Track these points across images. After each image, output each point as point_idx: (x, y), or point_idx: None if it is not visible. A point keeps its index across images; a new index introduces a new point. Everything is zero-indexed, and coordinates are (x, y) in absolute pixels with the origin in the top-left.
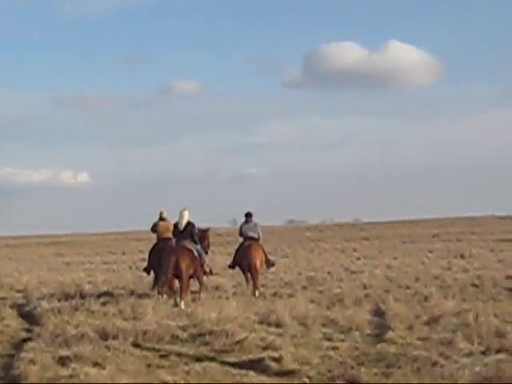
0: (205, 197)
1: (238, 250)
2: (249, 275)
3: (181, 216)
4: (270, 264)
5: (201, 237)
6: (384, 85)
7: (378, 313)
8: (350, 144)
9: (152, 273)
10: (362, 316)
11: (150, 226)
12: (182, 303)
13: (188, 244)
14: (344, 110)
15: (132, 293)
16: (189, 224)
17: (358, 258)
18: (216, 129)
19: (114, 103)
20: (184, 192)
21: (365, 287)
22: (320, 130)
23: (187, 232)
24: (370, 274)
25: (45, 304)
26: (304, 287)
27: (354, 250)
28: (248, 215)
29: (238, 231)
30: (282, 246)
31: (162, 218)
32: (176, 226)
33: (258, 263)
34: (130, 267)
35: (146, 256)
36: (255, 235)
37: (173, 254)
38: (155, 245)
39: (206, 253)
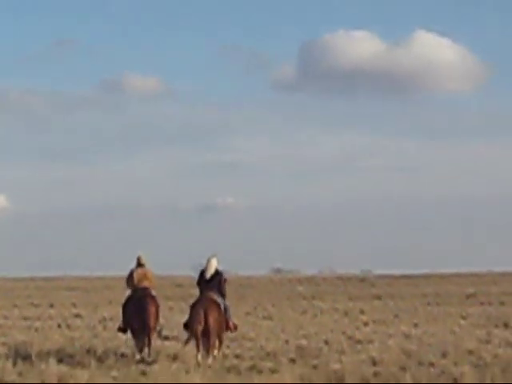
0: (162, 233)
1: (193, 306)
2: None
3: (208, 264)
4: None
5: None
6: (406, 90)
7: None
8: (358, 169)
9: (129, 332)
10: None
11: (126, 274)
12: (210, 359)
13: (215, 296)
14: (350, 123)
15: (60, 360)
16: (217, 274)
17: (366, 324)
18: (180, 142)
19: (41, 102)
20: (134, 226)
21: (374, 363)
22: (318, 148)
23: (214, 282)
24: (382, 346)
25: None
26: (292, 360)
27: (361, 313)
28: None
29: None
30: (264, 304)
31: (139, 264)
32: (202, 274)
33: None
34: (59, 325)
35: (120, 311)
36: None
37: (200, 306)
38: (130, 296)
39: None
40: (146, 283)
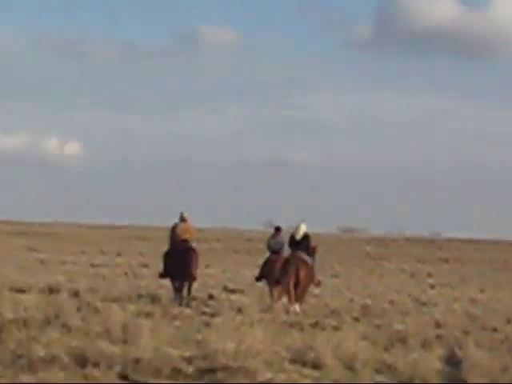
0: (232, 188)
1: (265, 263)
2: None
3: (297, 228)
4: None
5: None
6: (485, 54)
7: (453, 361)
8: (434, 132)
9: (170, 279)
10: (431, 363)
11: (170, 226)
12: (297, 306)
13: (304, 255)
14: (429, 85)
15: (125, 308)
16: (306, 236)
17: (433, 286)
18: (253, 97)
19: (118, 51)
20: (204, 180)
21: (438, 325)
22: (393, 109)
23: (304, 244)
24: (447, 309)
25: (7, 313)
26: (356, 319)
27: (429, 275)
28: (278, 229)
29: (266, 244)
30: (331, 262)
31: (182, 219)
32: (292, 237)
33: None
34: (126, 273)
35: (161, 259)
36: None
37: (293, 263)
38: (172, 246)
39: None
40: (186, 236)
